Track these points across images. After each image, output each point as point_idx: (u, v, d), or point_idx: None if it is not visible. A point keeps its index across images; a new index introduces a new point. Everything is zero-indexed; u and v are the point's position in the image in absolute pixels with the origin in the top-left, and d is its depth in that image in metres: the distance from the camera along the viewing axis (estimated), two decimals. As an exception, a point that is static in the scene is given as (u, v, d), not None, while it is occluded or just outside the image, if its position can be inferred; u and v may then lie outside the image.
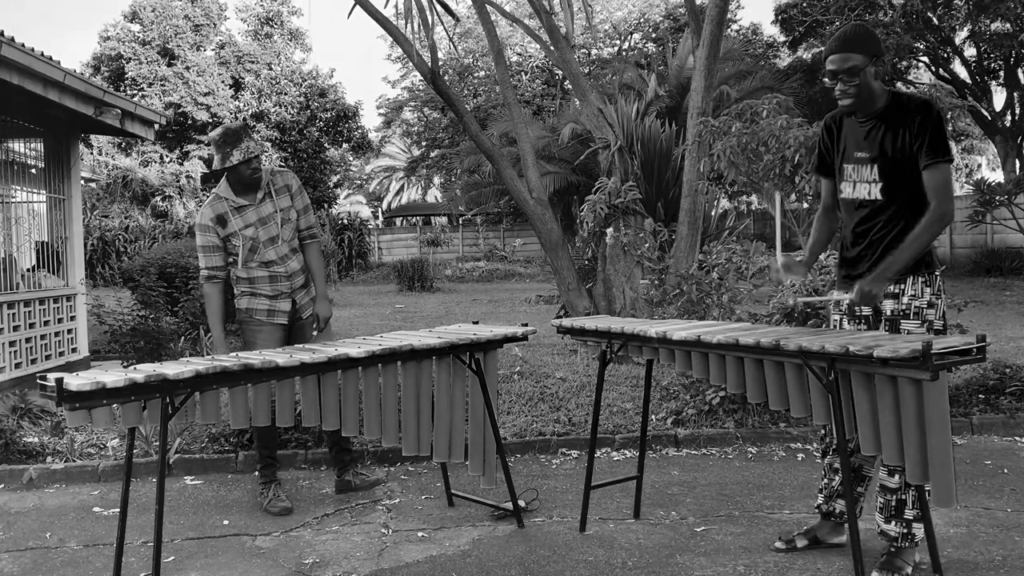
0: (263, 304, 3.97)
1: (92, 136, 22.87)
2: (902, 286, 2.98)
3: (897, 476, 2.97)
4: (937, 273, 3.00)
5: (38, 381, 2.75)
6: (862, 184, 3.03)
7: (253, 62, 29.28)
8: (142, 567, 3.30)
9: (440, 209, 35.05)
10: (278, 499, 3.95)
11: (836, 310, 3.24)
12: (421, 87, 31.87)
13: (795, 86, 19.79)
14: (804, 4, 20.63)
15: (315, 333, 4.06)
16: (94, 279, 16.77)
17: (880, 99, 2.98)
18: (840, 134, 3.13)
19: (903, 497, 3.00)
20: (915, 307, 2.97)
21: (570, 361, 7.17)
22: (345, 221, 24.22)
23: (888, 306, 3.01)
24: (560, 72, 27.80)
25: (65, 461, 4.68)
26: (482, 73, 31.96)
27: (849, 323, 3.16)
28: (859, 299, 2.94)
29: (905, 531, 3.02)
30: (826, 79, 3.00)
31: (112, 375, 2.71)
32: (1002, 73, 20.71)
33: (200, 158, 28.05)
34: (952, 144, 3.00)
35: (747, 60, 21.25)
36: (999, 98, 21.36)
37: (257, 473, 4.15)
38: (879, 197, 2.98)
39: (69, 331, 7.50)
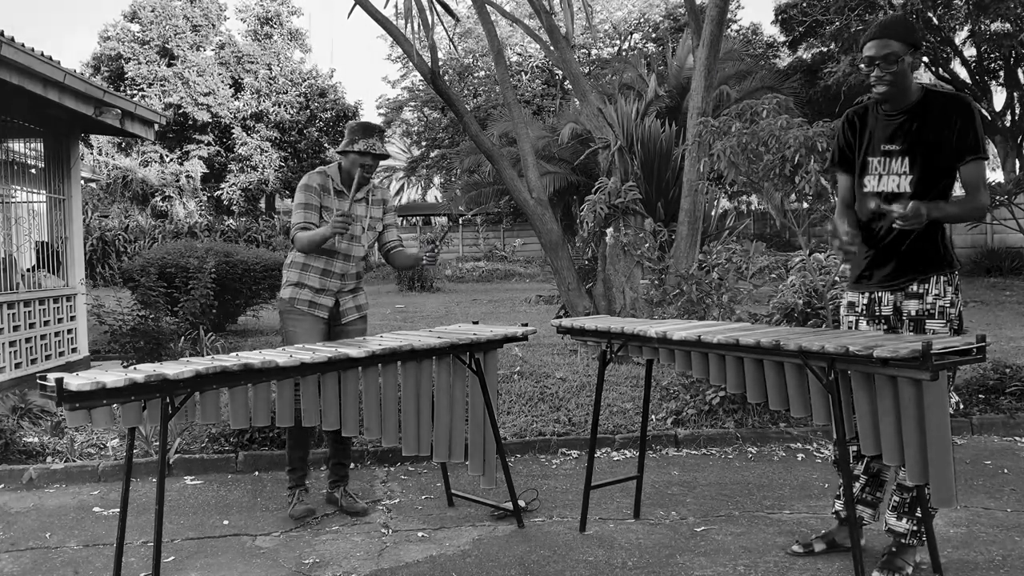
0: (306, 295, 3.91)
1: (92, 136, 22.87)
2: (926, 286, 2.98)
3: None
4: (956, 271, 3.01)
5: (38, 381, 2.74)
6: (890, 177, 3.01)
7: (253, 62, 29.28)
8: (142, 567, 3.30)
9: (440, 209, 35.02)
10: (300, 502, 3.87)
11: (851, 311, 3.20)
12: (421, 87, 31.86)
13: (795, 86, 19.79)
14: (804, 4, 20.62)
15: (433, 254, 4.02)
16: (94, 279, 16.76)
17: (913, 93, 2.97)
18: (864, 128, 3.10)
19: (917, 495, 3.00)
20: (939, 306, 2.97)
21: (570, 361, 7.17)
22: (345, 221, 24.16)
23: (913, 306, 3.00)
24: (560, 72, 27.81)
25: (65, 461, 4.67)
26: (482, 73, 31.96)
27: (868, 324, 3.13)
28: (911, 212, 2.75)
29: (914, 528, 3.02)
30: (862, 65, 2.98)
31: (112, 375, 2.70)
32: (1002, 73, 20.70)
33: (200, 158, 28.04)
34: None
35: (747, 60, 21.22)
36: (999, 98, 21.38)
37: (286, 478, 4.00)
38: (908, 190, 2.96)
39: (69, 331, 7.50)
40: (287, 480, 3.96)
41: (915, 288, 2.98)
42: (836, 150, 3.25)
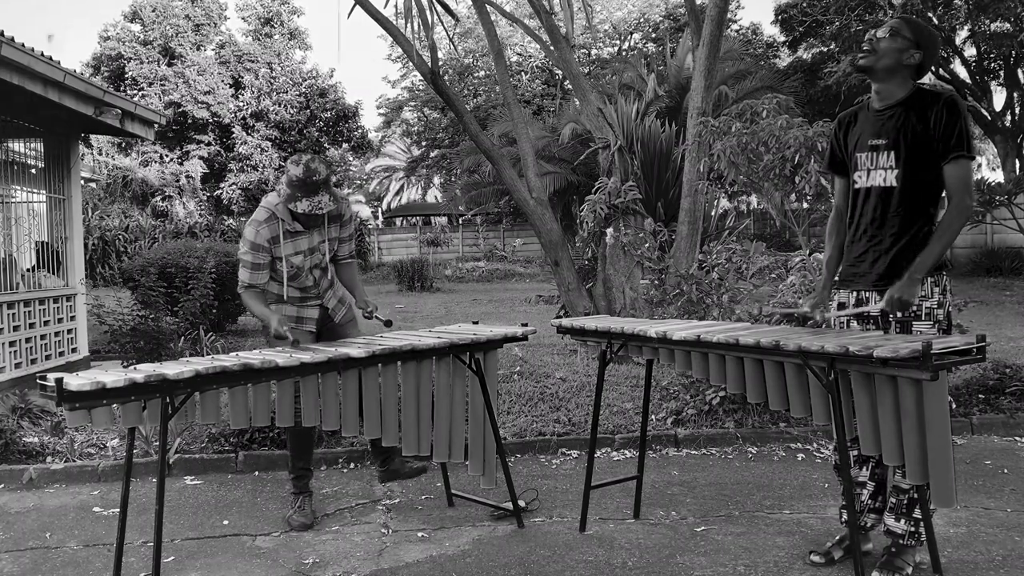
0: (291, 311, 3.86)
1: (92, 136, 22.87)
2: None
3: None
4: (945, 273, 3.00)
5: (38, 381, 2.75)
6: (877, 171, 3.00)
7: (253, 61, 29.29)
8: (142, 567, 3.30)
9: (440, 209, 35.03)
10: (301, 512, 3.80)
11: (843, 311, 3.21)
12: (421, 87, 31.87)
13: (795, 86, 19.79)
14: (804, 4, 20.63)
15: (370, 312, 3.95)
16: (94, 279, 16.76)
17: (901, 91, 2.97)
18: (854, 128, 3.12)
19: (915, 496, 3.00)
20: (926, 308, 2.95)
21: (570, 361, 7.17)
22: (345, 221, 24.18)
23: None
24: (560, 72, 27.80)
25: (65, 461, 4.67)
26: (482, 73, 31.96)
27: (858, 323, 3.12)
28: (893, 307, 2.87)
29: (912, 529, 3.02)
30: (867, 35, 3.00)
31: (112, 375, 2.71)
32: (1002, 73, 20.71)
33: (200, 158, 28.05)
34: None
35: (747, 60, 21.23)
36: (999, 98, 21.39)
37: (289, 483, 3.95)
38: (894, 184, 2.96)
39: (69, 331, 7.50)
40: (290, 486, 3.93)
41: None
42: (829, 153, 3.27)
